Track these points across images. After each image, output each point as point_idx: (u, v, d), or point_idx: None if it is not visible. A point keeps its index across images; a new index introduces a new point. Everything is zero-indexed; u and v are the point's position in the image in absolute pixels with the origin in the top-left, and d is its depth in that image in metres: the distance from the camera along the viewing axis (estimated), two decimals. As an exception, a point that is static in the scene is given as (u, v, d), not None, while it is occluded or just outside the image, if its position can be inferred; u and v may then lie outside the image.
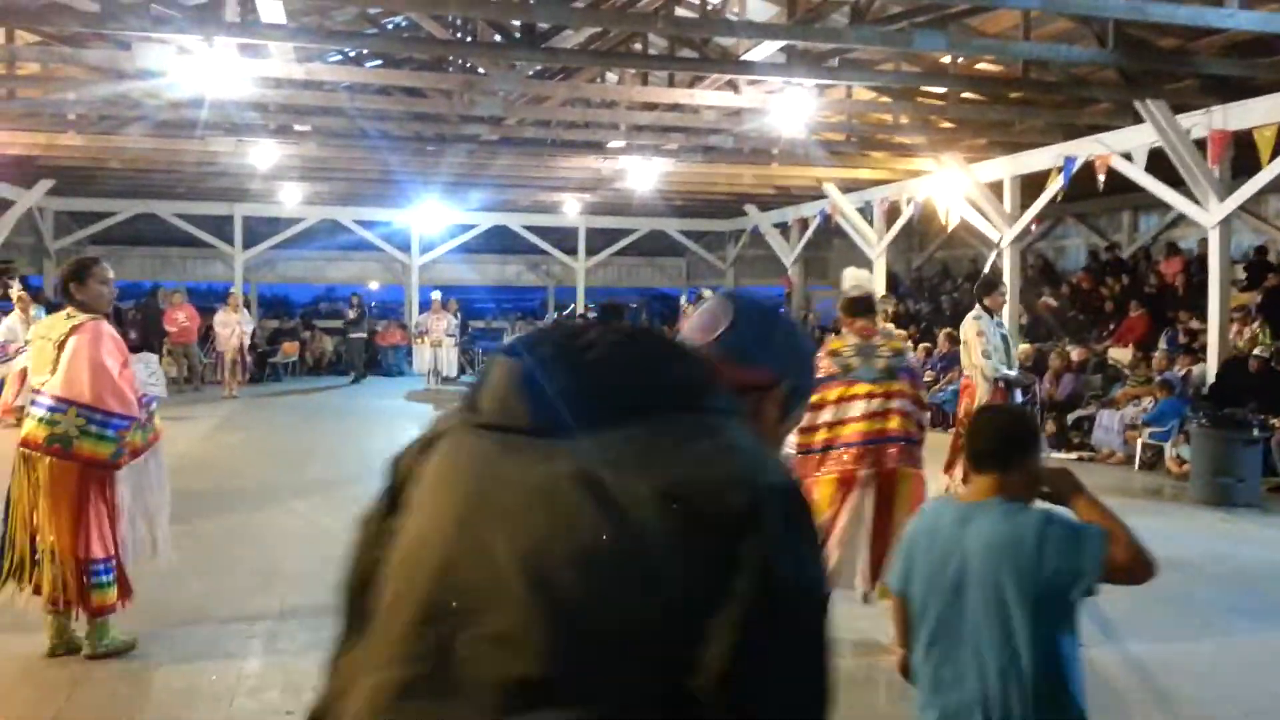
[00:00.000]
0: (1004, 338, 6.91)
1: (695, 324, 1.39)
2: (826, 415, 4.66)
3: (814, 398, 4.49)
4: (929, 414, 6.65)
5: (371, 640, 1.13)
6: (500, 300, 29.69)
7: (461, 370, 19.29)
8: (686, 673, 1.00)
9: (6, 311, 14.59)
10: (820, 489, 4.60)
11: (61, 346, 4.27)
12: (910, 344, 7.11)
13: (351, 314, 19.59)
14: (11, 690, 4.12)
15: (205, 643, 4.67)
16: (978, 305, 6.95)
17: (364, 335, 19.60)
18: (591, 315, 22.62)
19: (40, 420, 4.24)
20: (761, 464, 1.10)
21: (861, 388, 4.67)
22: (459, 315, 19.31)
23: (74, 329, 4.31)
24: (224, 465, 9.52)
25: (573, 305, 23.35)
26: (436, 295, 18.51)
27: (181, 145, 13.72)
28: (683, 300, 16.86)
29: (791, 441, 4.68)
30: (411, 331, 19.38)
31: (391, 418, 13.64)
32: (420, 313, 19.59)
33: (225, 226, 20.63)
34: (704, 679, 1.00)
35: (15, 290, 10.58)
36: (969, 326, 6.86)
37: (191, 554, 6.16)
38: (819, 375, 4.52)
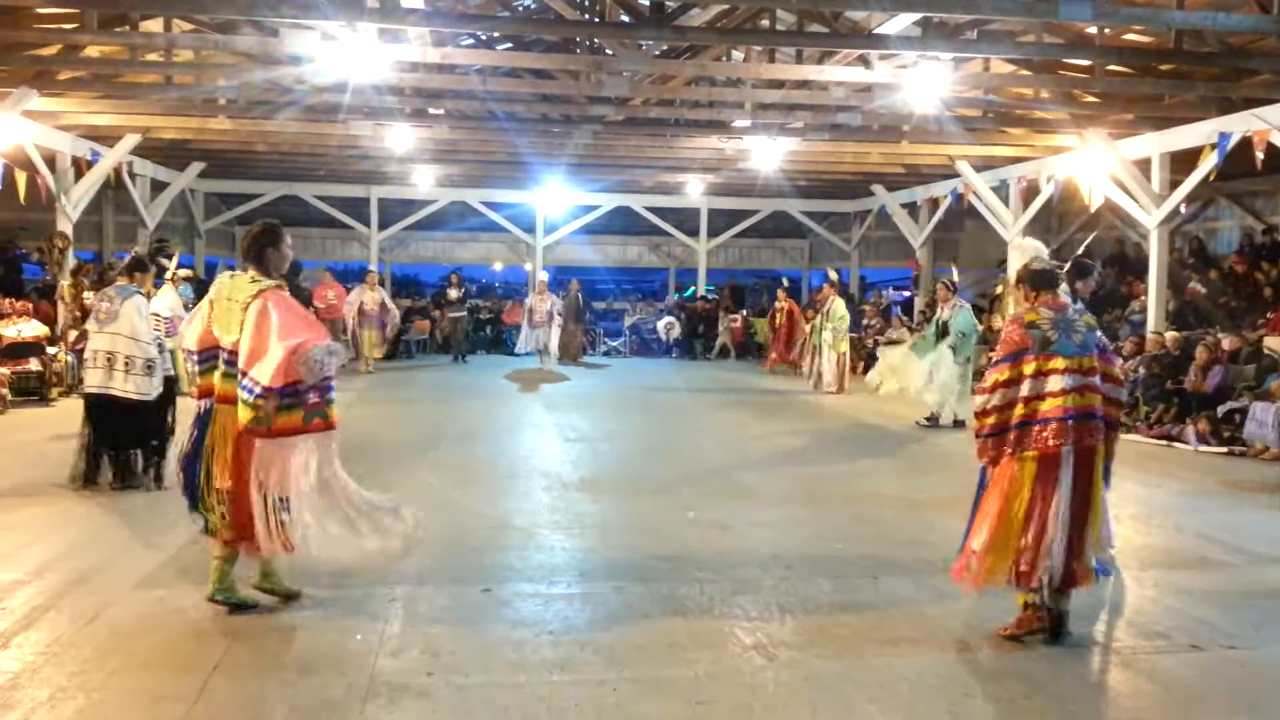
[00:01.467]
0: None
1: None
2: (1024, 390, 4.51)
3: (1008, 372, 4.56)
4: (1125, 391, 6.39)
5: None
6: (620, 281, 29.91)
7: (583, 350, 19.50)
8: None
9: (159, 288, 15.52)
10: (1018, 468, 4.49)
11: (247, 308, 4.50)
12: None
13: (452, 293, 19.33)
14: (174, 644, 4.39)
15: (351, 605, 4.88)
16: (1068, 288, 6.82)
17: (464, 314, 19.45)
18: (711, 297, 22.58)
19: (244, 402, 4.41)
20: None
21: (1059, 362, 4.51)
22: (580, 296, 19.22)
23: (260, 293, 4.53)
24: (360, 437, 9.91)
25: (693, 287, 23.32)
26: (543, 276, 18.31)
27: (325, 129, 14.30)
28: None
29: (976, 422, 4.67)
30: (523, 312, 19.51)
31: (509, 395, 13.96)
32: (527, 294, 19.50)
33: (362, 208, 21.40)
34: None
35: (172, 268, 11.25)
36: None
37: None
38: (1012, 347, 4.57)
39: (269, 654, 4.29)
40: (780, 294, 18.47)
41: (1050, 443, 4.42)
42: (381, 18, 8.99)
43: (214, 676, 4.01)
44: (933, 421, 11.35)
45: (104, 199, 18.27)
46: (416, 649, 4.34)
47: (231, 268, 17.42)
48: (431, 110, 13.76)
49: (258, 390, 4.36)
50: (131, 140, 14.60)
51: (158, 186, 17.93)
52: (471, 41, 12.47)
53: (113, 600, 4.89)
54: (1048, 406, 4.45)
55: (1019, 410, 4.50)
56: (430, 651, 4.31)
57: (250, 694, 3.90)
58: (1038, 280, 4.76)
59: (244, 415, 4.42)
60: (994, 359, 4.74)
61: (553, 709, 3.80)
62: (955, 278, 12.17)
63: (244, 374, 4.43)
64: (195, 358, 4.82)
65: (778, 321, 18.00)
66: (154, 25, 10.93)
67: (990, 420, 4.57)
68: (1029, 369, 4.51)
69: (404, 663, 4.20)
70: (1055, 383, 4.47)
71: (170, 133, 14.88)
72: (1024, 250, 5.07)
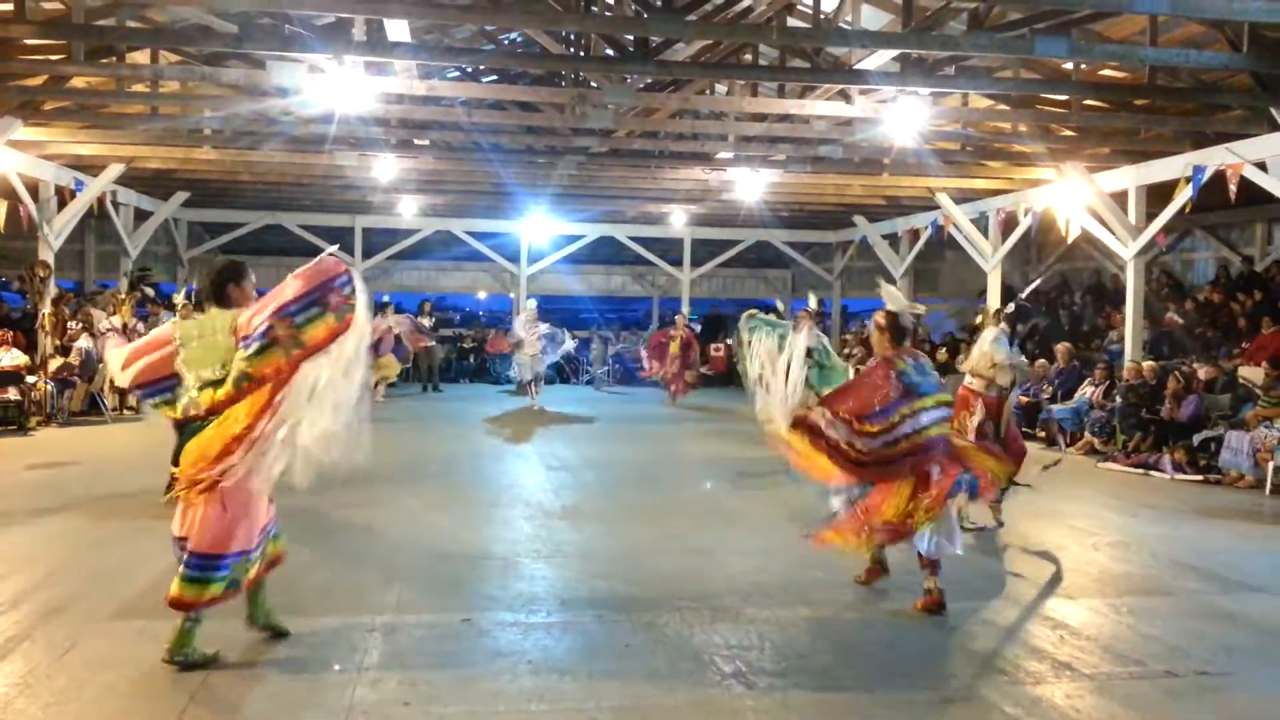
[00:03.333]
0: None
1: None
2: (904, 429, 5.28)
3: (881, 424, 5.28)
4: None
5: None
6: (603, 310, 30.00)
7: (562, 377, 19.23)
8: None
9: (143, 318, 15.51)
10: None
11: (235, 331, 4.40)
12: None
13: (424, 322, 18.71)
14: (151, 675, 4.37)
15: (330, 635, 4.88)
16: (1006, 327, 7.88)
17: (434, 344, 18.96)
18: (694, 327, 22.66)
19: (260, 350, 4.27)
20: None
21: (929, 400, 5.35)
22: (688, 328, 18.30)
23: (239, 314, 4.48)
24: (338, 465, 9.89)
25: (677, 315, 23.39)
26: (531, 304, 17.51)
27: (310, 159, 14.36)
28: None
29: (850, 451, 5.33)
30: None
31: (490, 423, 13.97)
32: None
33: (346, 237, 21.41)
34: None
35: (180, 299, 11.37)
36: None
37: (317, 546, 6.45)
38: (882, 399, 5.31)
39: (246, 685, 4.27)
40: (679, 320, 18.17)
41: (921, 466, 5.29)
42: (368, 51, 9.08)
43: (190, 707, 4.00)
44: None
45: (86, 227, 18.26)
46: (395, 679, 4.34)
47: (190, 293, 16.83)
48: (417, 141, 13.84)
49: (269, 326, 4.24)
50: (116, 170, 14.62)
51: (141, 215, 17.93)
52: (457, 74, 12.58)
53: (89, 631, 4.87)
54: (924, 439, 5.27)
55: (903, 446, 5.24)
56: (408, 682, 4.31)
57: (227, 724, 3.89)
58: (898, 333, 5.50)
59: (273, 359, 4.26)
60: (866, 408, 5.28)
61: (531, 738, 3.81)
62: (812, 305, 12.23)
63: (249, 336, 4.30)
64: (140, 391, 4.62)
65: (672, 351, 17.22)
66: (140, 57, 10.99)
67: (869, 457, 5.25)
68: (898, 416, 5.24)
69: (382, 694, 4.19)
70: (927, 418, 5.30)
71: (155, 162, 14.91)
72: (892, 299, 5.66)
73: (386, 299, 18.98)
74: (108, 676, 4.30)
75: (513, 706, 4.09)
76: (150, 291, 17.97)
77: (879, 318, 5.59)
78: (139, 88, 11.95)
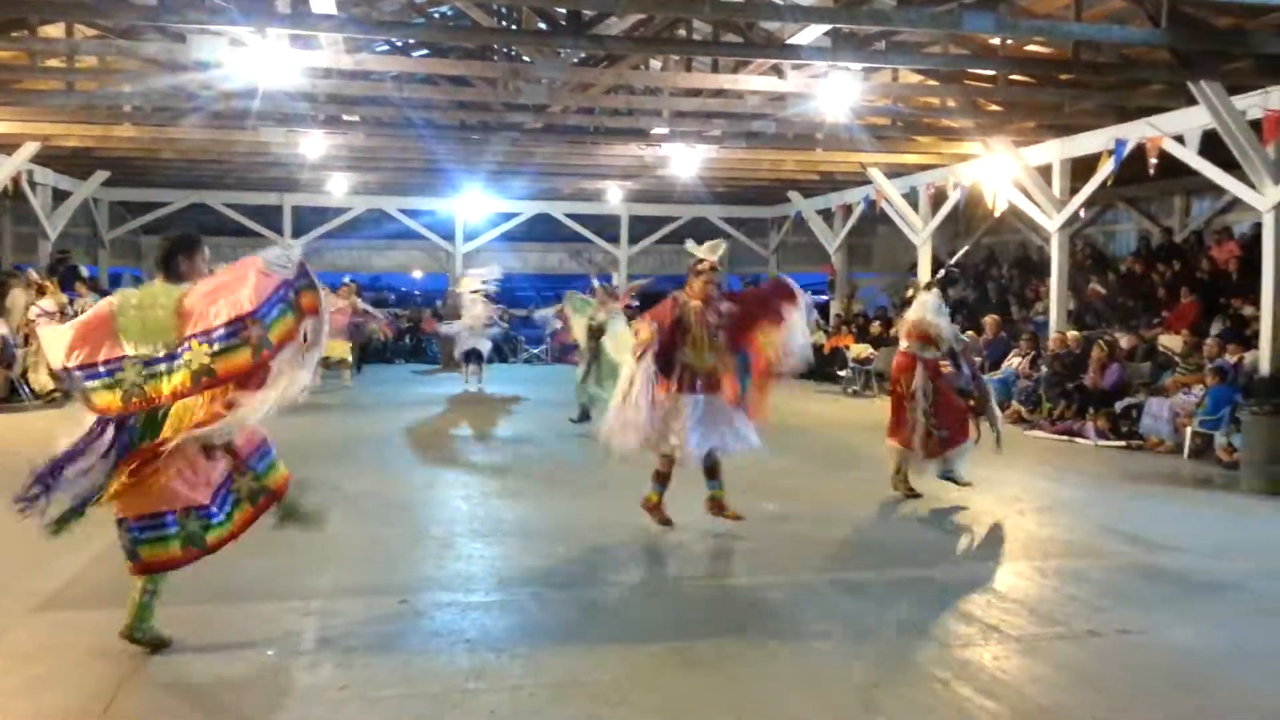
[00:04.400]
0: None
1: None
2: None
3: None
4: None
5: None
6: (540, 289, 29.86)
7: (497, 358, 18.59)
8: None
9: (70, 301, 15.03)
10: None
11: (181, 312, 4.18)
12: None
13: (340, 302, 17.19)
14: (77, 666, 4.27)
15: (263, 620, 4.81)
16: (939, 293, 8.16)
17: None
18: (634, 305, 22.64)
19: (230, 348, 4.13)
20: None
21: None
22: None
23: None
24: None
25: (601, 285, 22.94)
26: (494, 270, 16.32)
27: (234, 136, 13.98)
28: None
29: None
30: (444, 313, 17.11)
31: (424, 403, 13.84)
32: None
33: (274, 216, 20.96)
34: None
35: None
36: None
37: (249, 533, 6.32)
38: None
39: (177, 672, 4.19)
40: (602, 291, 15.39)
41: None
42: (293, 24, 8.86)
43: (120, 696, 3.92)
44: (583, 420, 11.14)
45: (2, 209, 17.60)
46: (331, 663, 4.30)
47: (138, 277, 16.79)
48: (346, 117, 13.56)
49: (239, 324, 4.11)
50: (31, 148, 14.07)
51: (59, 196, 17.32)
52: (386, 48, 12.34)
53: (12, 624, 4.73)
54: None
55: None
56: (344, 665, 4.27)
57: (158, 713, 3.81)
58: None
59: (240, 358, 4.13)
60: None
61: (468, 715, 3.80)
62: (615, 283, 12.49)
63: (212, 330, 4.12)
64: (82, 373, 4.20)
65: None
66: (55, 30, 10.58)
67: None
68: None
69: (318, 677, 4.15)
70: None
71: (72, 140, 14.39)
72: (694, 249, 6.62)
73: (347, 279, 18.41)
74: (34, 669, 4.18)
75: (450, 686, 4.08)
76: (84, 273, 17.40)
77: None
78: (54, 63, 11.52)
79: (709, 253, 6.59)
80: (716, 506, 6.63)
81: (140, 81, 11.48)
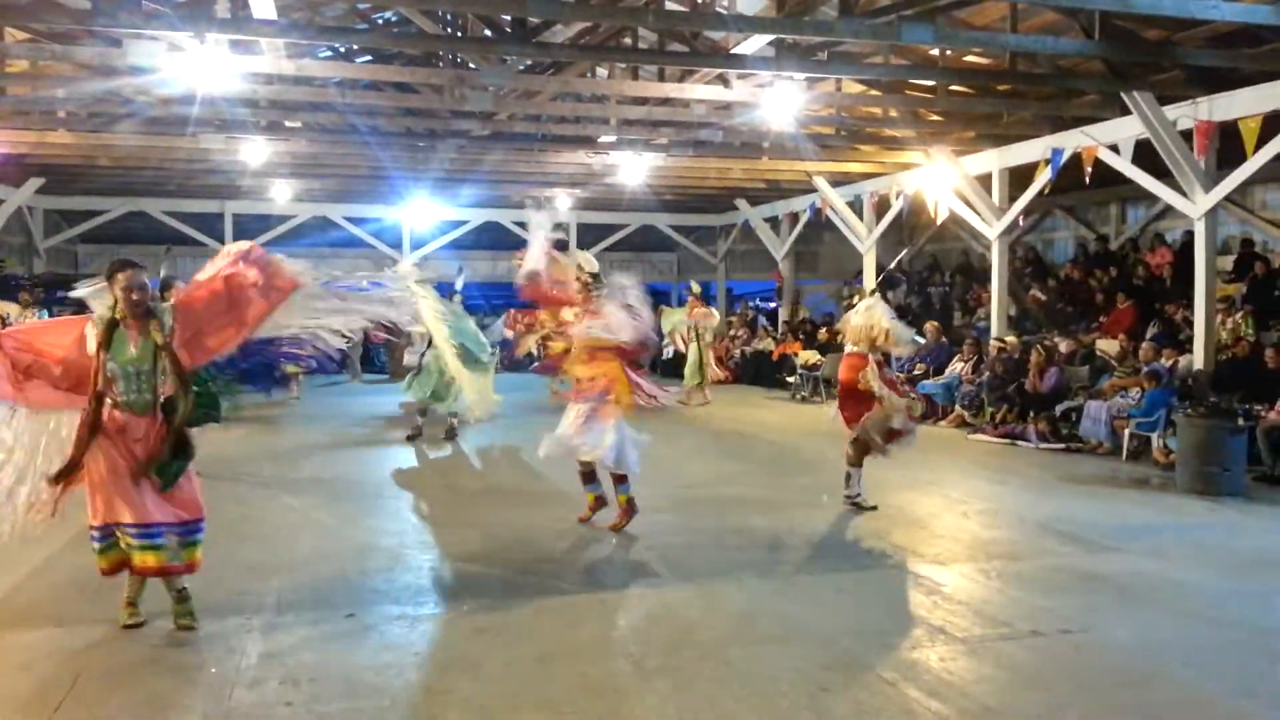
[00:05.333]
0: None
1: None
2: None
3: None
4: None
5: None
6: (490, 297, 29.66)
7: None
8: None
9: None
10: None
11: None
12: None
13: None
14: (12, 687, 4.14)
15: (205, 636, 4.70)
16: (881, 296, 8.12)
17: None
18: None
19: None
20: None
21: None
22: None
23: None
24: (221, 460, 9.54)
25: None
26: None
27: (172, 142, 13.72)
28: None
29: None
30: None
31: (371, 412, 13.68)
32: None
33: (216, 224, 20.57)
34: None
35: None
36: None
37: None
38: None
39: (117, 689, 4.09)
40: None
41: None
42: (233, 29, 8.72)
43: (58, 715, 3.80)
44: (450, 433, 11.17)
45: (-70, 217, 17.06)
46: (275, 679, 4.22)
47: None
48: (288, 123, 13.37)
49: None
50: (-41, 154, 13.69)
51: (-10, 203, 16.84)
52: (329, 54, 12.21)
53: (-60, 645, 4.57)
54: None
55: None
56: (290, 681, 4.19)
57: (95, 735, 3.71)
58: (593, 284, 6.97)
59: None
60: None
61: (418, 730, 3.76)
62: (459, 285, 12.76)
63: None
64: None
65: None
66: (-17, 33, 10.29)
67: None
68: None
69: (262, 694, 4.07)
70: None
71: (4, 146, 14.00)
72: (587, 261, 7.32)
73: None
74: (-39, 692, 4.05)
75: (400, 700, 4.03)
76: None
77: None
78: (-18, 66, 11.21)
79: (587, 264, 7.25)
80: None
81: (74, 86, 11.23)
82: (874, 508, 7.53)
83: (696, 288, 15.96)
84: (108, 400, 4.67)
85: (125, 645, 4.57)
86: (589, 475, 7.04)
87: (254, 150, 14.19)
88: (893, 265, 17.95)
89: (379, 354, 20.43)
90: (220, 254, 4.94)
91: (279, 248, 19.34)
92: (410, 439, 10.98)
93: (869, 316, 7.68)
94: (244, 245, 4.94)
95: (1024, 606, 5.30)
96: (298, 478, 8.91)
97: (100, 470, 4.63)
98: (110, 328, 4.67)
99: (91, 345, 4.65)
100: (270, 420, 12.68)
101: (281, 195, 19.42)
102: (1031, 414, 11.51)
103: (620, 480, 6.85)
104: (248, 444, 10.80)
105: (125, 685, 4.15)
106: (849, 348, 7.89)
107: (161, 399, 4.74)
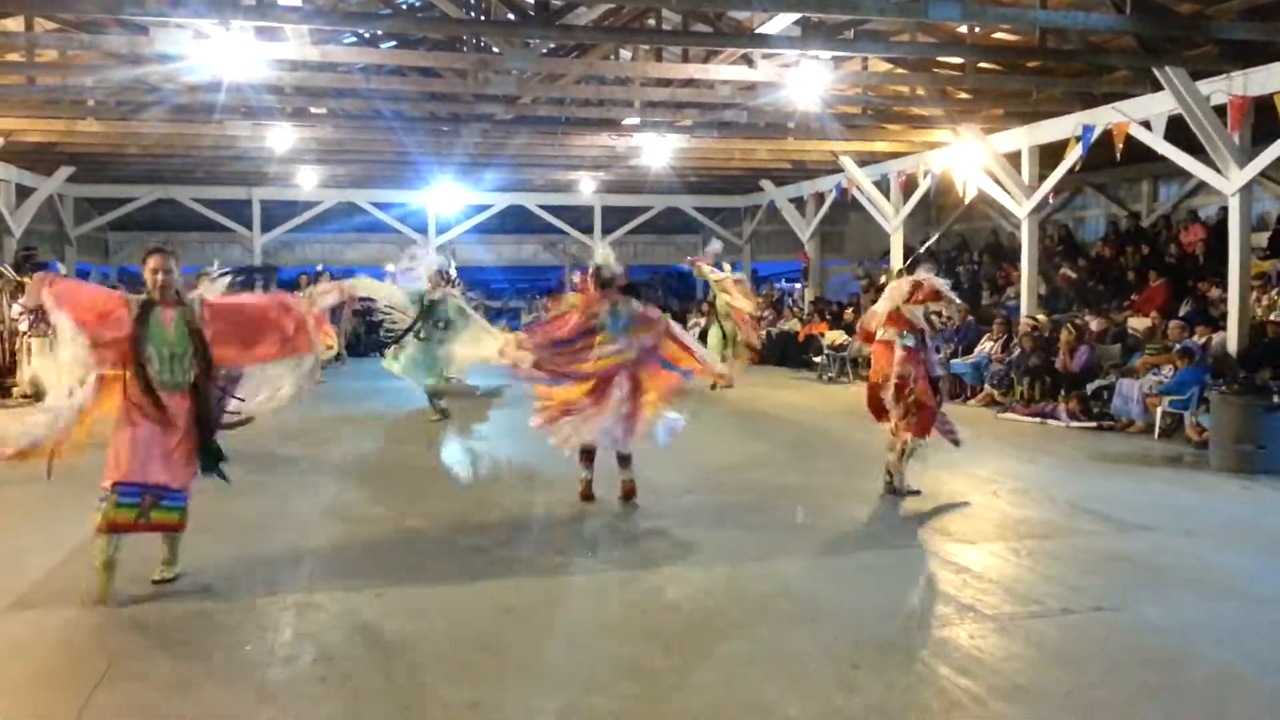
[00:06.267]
0: None
1: None
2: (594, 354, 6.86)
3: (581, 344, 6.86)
4: None
5: None
6: (515, 280, 29.75)
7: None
8: None
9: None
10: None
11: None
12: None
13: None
14: (51, 665, 4.23)
15: (240, 615, 4.77)
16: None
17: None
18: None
19: None
20: None
21: (607, 336, 6.82)
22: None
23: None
24: (248, 441, 9.64)
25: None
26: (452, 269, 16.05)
27: (199, 129, 13.84)
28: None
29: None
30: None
31: (400, 396, 13.76)
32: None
33: (243, 210, 20.76)
34: None
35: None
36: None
37: (224, 527, 6.30)
38: (577, 329, 6.90)
39: (154, 668, 4.15)
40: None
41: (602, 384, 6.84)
42: (257, 16, 8.76)
43: (96, 694, 3.87)
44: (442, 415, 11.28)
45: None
46: (309, 656, 4.27)
47: (105, 275, 16.61)
48: (314, 109, 13.44)
49: None
50: (-8, 144, 13.87)
51: (23, 192, 17.04)
52: (354, 40, 12.24)
53: (-17, 624, 4.67)
54: (605, 366, 6.81)
55: (587, 368, 6.84)
56: (324, 658, 4.25)
57: (136, 710, 3.77)
58: (602, 281, 7.03)
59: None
60: (553, 336, 6.94)
61: (450, 708, 3.79)
62: (452, 270, 12.68)
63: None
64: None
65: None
66: (14, 24, 10.40)
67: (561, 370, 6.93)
68: (581, 344, 6.83)
69: (296, 670, 4.13)
70: (609, 349, 6.80)
71: (35, 136, 14.18)
72: (597, 256, 7.25)
73: (320, 268, 18.09)
74: (8, 670, 4.14)
75: (430, 677, 4.07)
76: (62, 269, 17.11)
77: (591, 271, 7.18)
78: (13, 56, 11.33)
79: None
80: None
81: (102, 75, 11.34)
82: (918, 492, 7.43)
83: (727, 267, 15.74)
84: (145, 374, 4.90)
85: (160, 626, 4.64)
86: (589, 455, 7.15)
87: (280, 136, 14.27)
88: (921, 250, 17.82)
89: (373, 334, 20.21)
90: (274, 298, 5.64)
91: (305, 234, 19.48)
92: (438, 420, 11.09)
93: (894, 290, 7.48)
94: (296, 299, 5.47)
95: (1055, 585, 5.27)
96: (325, 459, 8.99)
97: (133, 434, 4.89)
98: (146, 307, 4.94)
99: (129, 323, 4.89)
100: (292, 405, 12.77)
101: (308, 181, 19.55)
102: (1062, 392, 11.41)
103: (625, 462, 7.09)
104: (269, 425, 10.91)
105: (161, 664, 4.21)
106: (880, 333, 7.60)
107: (192, 379, 4.97)
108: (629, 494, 7.07)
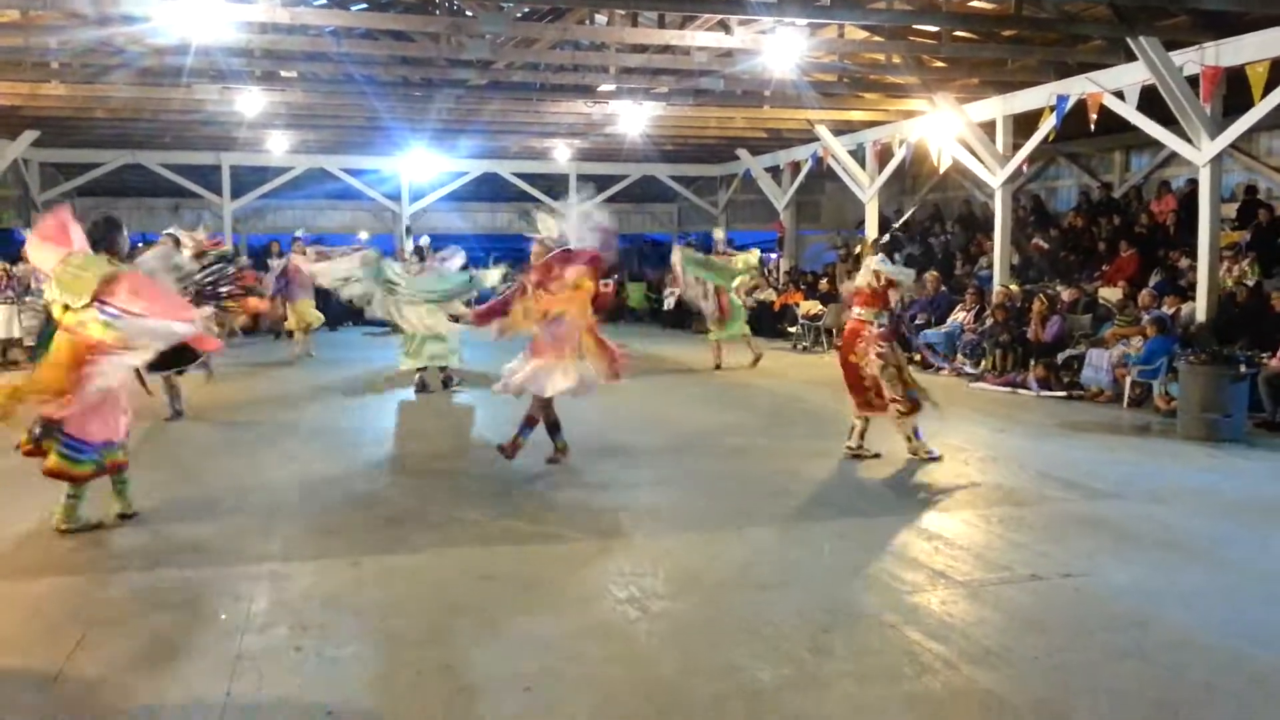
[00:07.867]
0: None
1: None
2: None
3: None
4: None
5: None
6: (489, 248, 29.55)
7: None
8: None
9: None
10: None
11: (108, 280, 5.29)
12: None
13: (273, 264, 15.59)
14: (25, 635, 4.20)
15: (214, 585, 4.76)
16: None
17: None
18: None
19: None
20: None
21: None
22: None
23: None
24: (222, 410, 9.57)
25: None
26: (424, 241, 14.47)
27: (167, 93, 13.56)
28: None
29: None
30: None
31: (372, 367, 13.69)
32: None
33: (213, 176, 20.44)
34: None
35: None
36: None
37: (196, 496, 6.26)
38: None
39: (128, 637, 4.14)
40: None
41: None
42: (225, -25, 8.59)
43: (69, 664, 3.86)
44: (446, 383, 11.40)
45: (-76, 170, 16.95)
46: (284, 625, 4.27)
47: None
48: (284, 73, 13.21)
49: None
50: (-48, 106, 13.55)
51: (-14, 156, 16.70)
52: (324, 2, 12.03)
53: (-48, 593, 4.63)
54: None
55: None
56: (299, 626, 4.25)
57: (110, 679, 3.76)
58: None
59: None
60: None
61: (424, 674, 3.81)
62: (423, 244, 12.76)
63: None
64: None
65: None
66: (-29, -18, 10.13)
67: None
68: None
69: (271, 639, 4.12)
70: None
71: (-2, 98, 13.86)
72: (547, 227, 7.72)
73: (300, 233, 17.71)
74: (-25, 639, 4.11)
75: (407, 644, 4.08)
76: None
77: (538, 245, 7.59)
78: (-29, 16, 11.04)
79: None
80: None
81: (66, 35, 11.07)
82: (877, 456, 7.61)
83: (720, 234, 15.55)
84: None
85: (136, 593, 4.63)
86: (554, 427, 7.38)
87: (249, 101, 14.03)
88: (896, 225, 17.86)
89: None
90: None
91: (276, 200, 19.06)
92: (419, 391, 11.04)
93: (864, 274, 7.83)
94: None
95: (1024, 551, 5.34)
96: (300, 426, 8.94)
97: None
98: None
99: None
100: (264, 372, 12.69)
101: (278, 147, 19.25)
102: (1033, 362, 11.52)
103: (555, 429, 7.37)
104: (243, 393, 10.84)
105: (136, 631, 4.20)
106: (855, 311, 7.85)
107: None
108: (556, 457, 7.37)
